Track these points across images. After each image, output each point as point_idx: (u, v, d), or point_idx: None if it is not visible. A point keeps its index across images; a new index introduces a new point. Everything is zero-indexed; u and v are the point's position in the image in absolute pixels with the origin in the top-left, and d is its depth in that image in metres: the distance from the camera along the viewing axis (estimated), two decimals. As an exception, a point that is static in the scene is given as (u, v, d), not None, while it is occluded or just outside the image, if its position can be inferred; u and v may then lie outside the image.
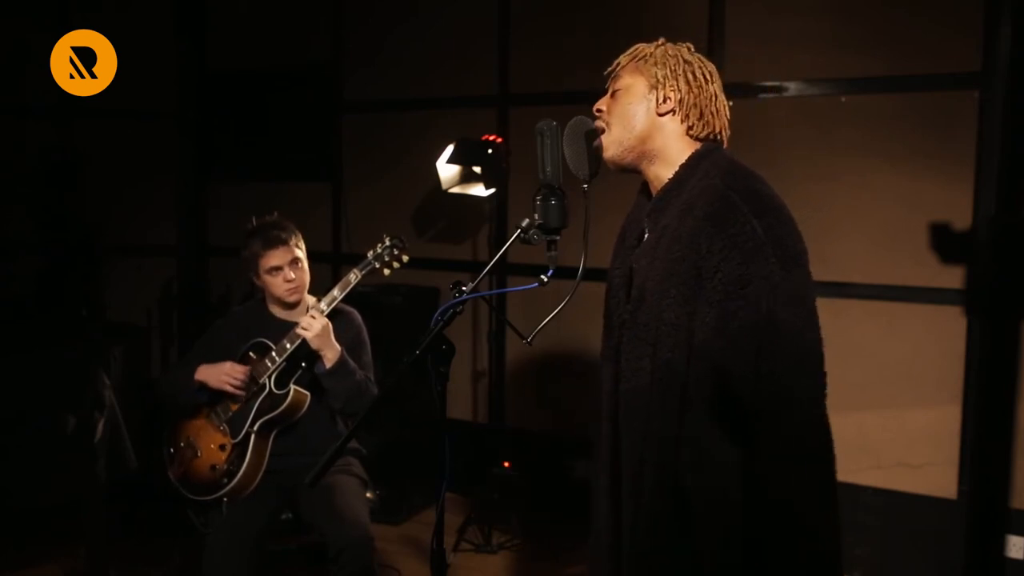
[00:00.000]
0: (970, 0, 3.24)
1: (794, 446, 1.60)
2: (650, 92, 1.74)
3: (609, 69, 1.83)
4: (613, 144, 1.76)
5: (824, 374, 1.64)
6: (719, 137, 1.76)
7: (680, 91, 1.73)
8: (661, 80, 1.73)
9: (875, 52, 3.40)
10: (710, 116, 1.74)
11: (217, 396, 2.84)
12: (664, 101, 1.73)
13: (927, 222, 3.35)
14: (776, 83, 3.58)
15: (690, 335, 1.62)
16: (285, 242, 2.82)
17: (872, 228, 3.45)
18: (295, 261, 2.83)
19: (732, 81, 3.60)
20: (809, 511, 1.62)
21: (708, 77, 1.75)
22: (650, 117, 1.74)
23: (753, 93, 3.57)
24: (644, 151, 1.75)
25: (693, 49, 1.79)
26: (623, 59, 1.80)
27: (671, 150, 1.74)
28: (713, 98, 1.75)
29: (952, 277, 3.33)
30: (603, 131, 1.77)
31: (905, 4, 3.37)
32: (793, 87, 3.57)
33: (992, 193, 3.22)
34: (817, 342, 1.63)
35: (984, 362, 3.28)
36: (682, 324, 1.62)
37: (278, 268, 2.81)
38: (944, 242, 3.32)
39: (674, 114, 1.74)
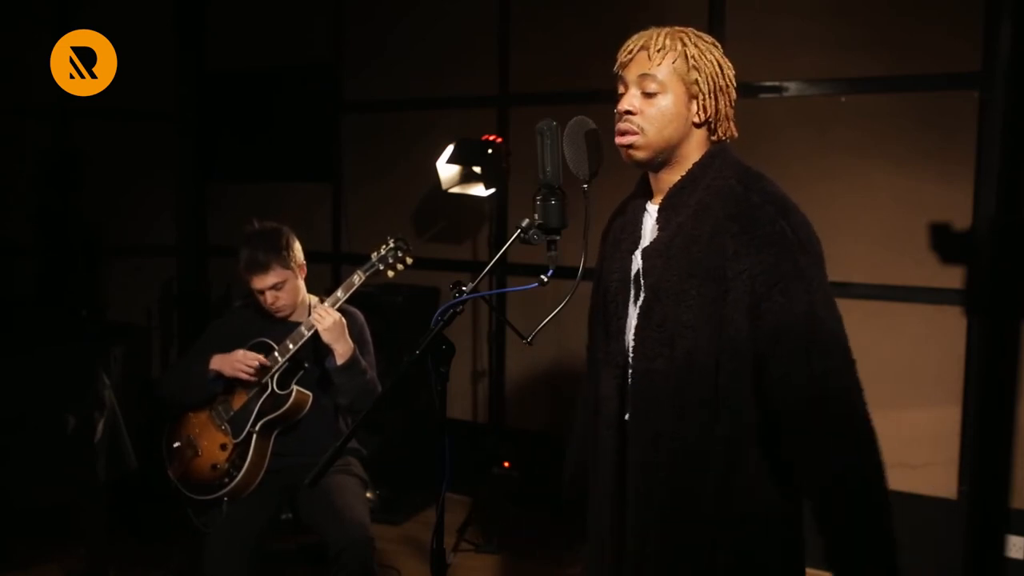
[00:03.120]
0: (970, 0, 3.24)
1: (855, 436, 1.63)
2: (690, 101, 1.69)
3: (627, 56, 1.71)
4: (646, 148, 1.70)
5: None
6: (728, 135, 1.76)
7: (717, 102, 1.70)
8: (703, 91, 1.68)
9: (875, 52, 3.40)
10: (730, 122, 1.75)
11: (231, 386, 2.84)
12: (702, 111, 1.70)
13: (927, 222, 3.35)
14: (776, 83, 3.58)
15: (712, 336, 1.62)
16: (264, 268, 2.75)
17: (872, 228, 3.45)
18: (276, 286, 2.78)
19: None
20: (880, 489, 1.69)
21: (732, 81, 1.74)
22: (686, 126, 1.70)
23: (753, 93, 3.58)
24: (669, 155, 1.72)
25: (718, 44, 1.75)
26: (654, 54, 1.68)
27: (692, 154, 1.73)
28: (735, 102, 1.75)
29: (952, 277, 3.33)
30: (631, 131, 1.69)
31: (905, 4, 3.37)
32: (793, 87, 3.57)
33: (992, 193, 3.22)
34: (846, 336, 1.66)
35: (984, 362, 3.28)
36: (701, 325, 1.62)
37: (259, 291, 2.80)
38: (944, 242, 3.32)
39: (707, 125, 1.72)
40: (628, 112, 1.70)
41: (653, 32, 1.72)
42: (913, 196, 3.36)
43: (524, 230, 1.70)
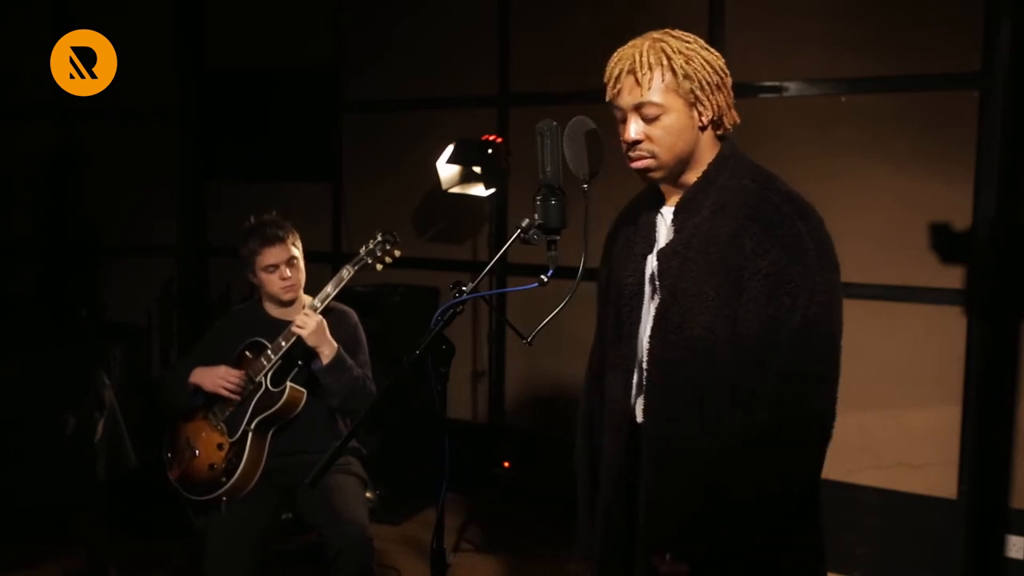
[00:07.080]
0: (970, 0, 3.24)
1: (801, 441, 1.63)
2: (690, 110, 1.67)
3: (616, 86, 1.68)
4: (662, 167, 1.69)
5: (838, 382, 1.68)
6: (733, 123, 1.75)
7: (717, 101, 1.68)
8: (699, 96, 1.66)
9: (875, 52, 3.40)
10: (732, 110, 1.73)
11: (213, 399, 2.85)
12: (704, 115, 1.68)
13: (927, 222, 3.35)
14: (776, 83, 3.58)
15: (730, 335, 1.62)
16: (282, 240, 2.82)
17: (872, 228, 3.45)
18: (291, 260, 2.83)
19: (732, 81, 3.61)
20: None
21: (724, 70, 1.71)
22: (694, 133, 1.69)
23: (753, 93, 3.57)
24: (685, 164, 1.72)
25: (698, 39, 1.73)
26: (643, 78, 1.64)
27: (704, 155, 1.72)
28: (732, 92, 1.73)
29: (952, 277, 3.33)
30: (643, 157, 1.69)
31: (905, 4, 3.37)
32: (793, 87, 3.57)
33: (992, 193, 3.22)
34: (840, 350, 1.68)
35: (984, 362, 3.28)
36: (720, 325, 1.63)
37: (274, 266, 2.82)
38: (944, 242, 3.32)
39: (713, 125, 1.71)
40: (636, 142, 1.68)
41: (633, 52, 1.67)
42: (913, 196, 3.36)
43: (524, 230, 1.70)
